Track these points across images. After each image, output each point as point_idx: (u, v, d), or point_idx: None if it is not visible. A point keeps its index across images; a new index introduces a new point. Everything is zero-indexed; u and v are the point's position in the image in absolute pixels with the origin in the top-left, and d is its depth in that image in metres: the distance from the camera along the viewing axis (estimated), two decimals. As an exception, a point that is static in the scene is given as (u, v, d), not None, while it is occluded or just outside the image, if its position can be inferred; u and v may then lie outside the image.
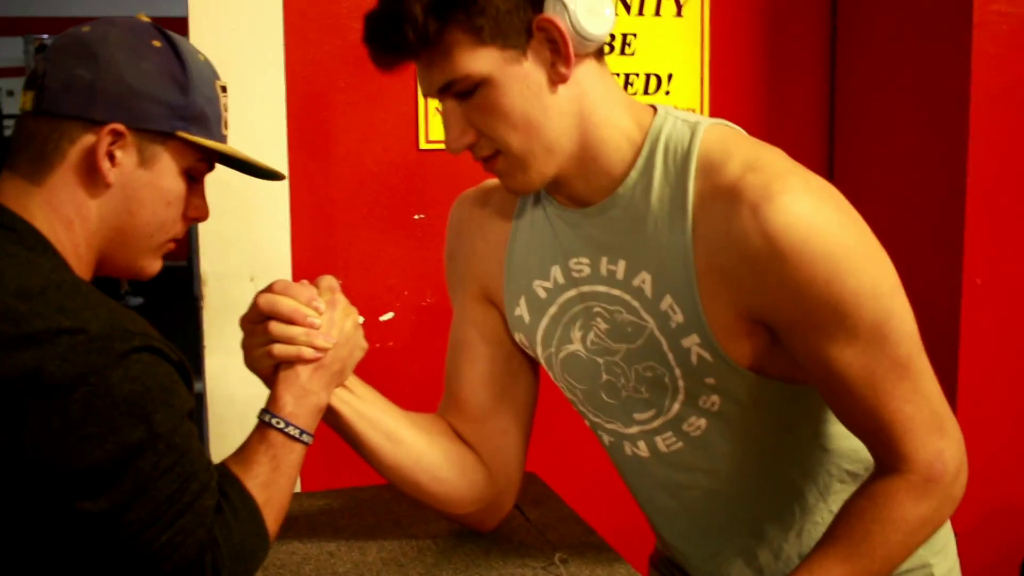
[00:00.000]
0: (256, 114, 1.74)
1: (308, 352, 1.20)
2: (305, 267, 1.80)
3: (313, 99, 1.78)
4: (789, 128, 1.99)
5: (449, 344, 1.38)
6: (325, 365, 1.22)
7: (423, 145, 1.83)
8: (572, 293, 1.20)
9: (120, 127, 1.06)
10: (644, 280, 1.13)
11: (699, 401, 1.16)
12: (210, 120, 1.13)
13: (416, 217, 1.85)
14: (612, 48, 1.88)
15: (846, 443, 1.22)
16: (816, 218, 1.04)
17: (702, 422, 1.18)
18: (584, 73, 1.08)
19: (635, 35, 1.89)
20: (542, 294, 1.23)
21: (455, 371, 1.38)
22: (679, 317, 1.11)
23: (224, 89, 1.17)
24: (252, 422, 1.78)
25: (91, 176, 1.07)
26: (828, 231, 1.04)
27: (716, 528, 1.29)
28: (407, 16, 1.02)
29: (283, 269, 1.78)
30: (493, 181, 1.26)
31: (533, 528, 1.42)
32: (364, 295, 1.85)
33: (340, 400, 1.30)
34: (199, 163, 1.14)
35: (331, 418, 1.30)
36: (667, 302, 1.12)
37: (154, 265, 1.19)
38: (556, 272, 1.21)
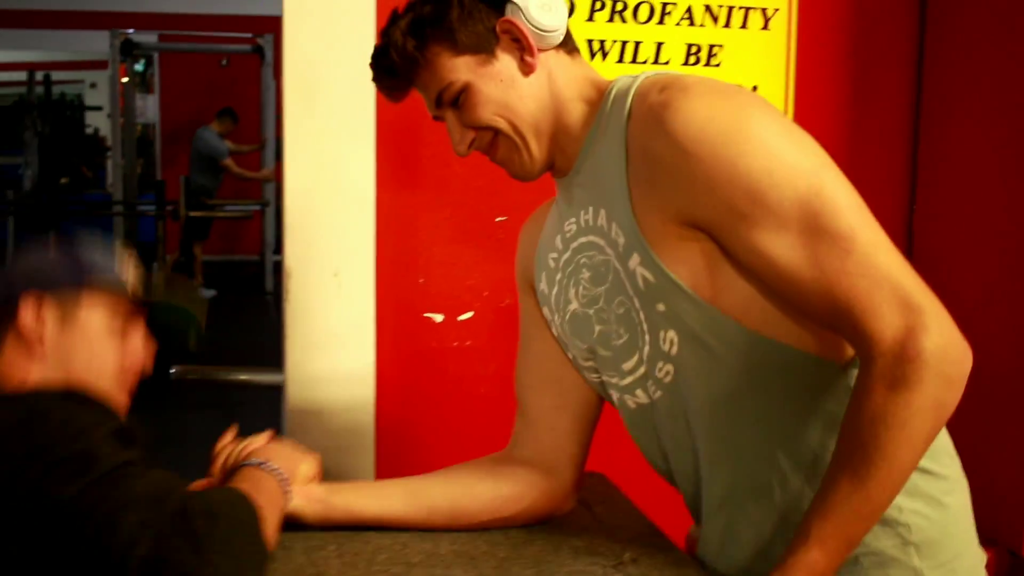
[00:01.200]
0: (346, 110, 1.78)
1: None
2: (388, 264, 1.84)
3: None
4: (873, 141, 2.00)
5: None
6: None
7: (507, 149, 1.86)
8: (567, 255, 1.31)
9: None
10: (601, 216, 1.23)
11: (660, 341, 1.20)
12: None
13: (497, 220, 1.88)
14: (698, 59, 1.90)
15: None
16: (712, 110, 1.11)
17: (669, 367, 1.21)
18: (551, 61, 1.24)
19: (721, 46, 1.91)
20: (552, 263, 1.34)
21: (518, 377, 1.47)
22: (622, 239, 1.19)
23: None
24: (330, 413, 1.84)
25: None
26: (725, 119, 1.11)
27: (711, 496, 1.27)
28: (392, 43, 1.24)
29: (366, 266, 1.82)
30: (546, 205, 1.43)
31: (602, 527, 1.44)
32: (444, 294, 1.88)
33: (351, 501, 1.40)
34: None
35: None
36: (615, 229, 1.21)
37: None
38: (558, 240, 1.32)
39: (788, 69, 1.93)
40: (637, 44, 1.88)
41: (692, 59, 1.90)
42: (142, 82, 11.87)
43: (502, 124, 1.23)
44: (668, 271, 1.16)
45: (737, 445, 1.22)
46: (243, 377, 2.46)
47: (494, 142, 1.26)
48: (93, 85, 14.97)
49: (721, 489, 1.26)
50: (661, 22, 1.88)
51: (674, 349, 1.19)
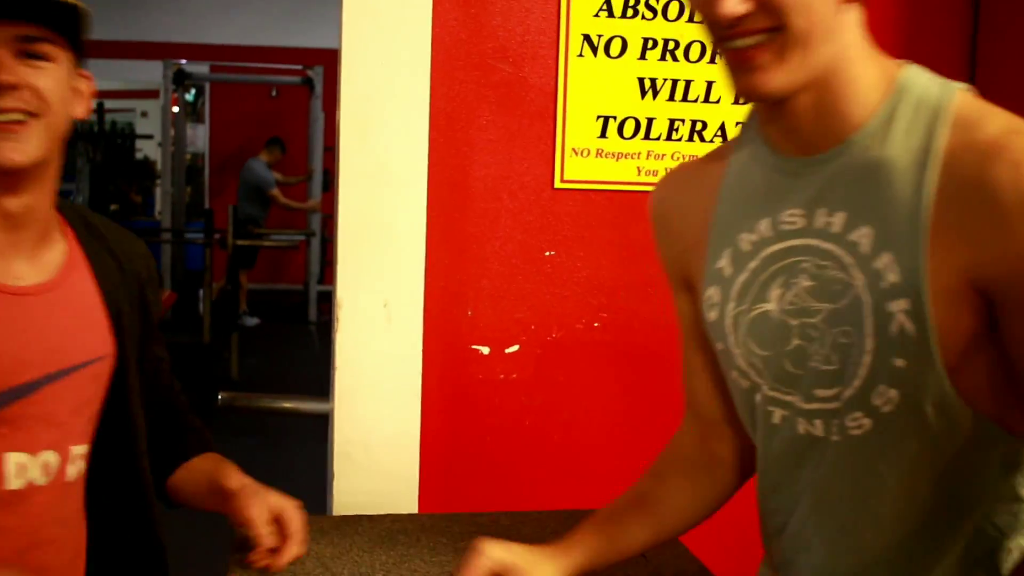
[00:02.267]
0: (400, 143, 1.80)
1: None
2: (437, 295, 1.86)
3: (454, 133, 1.84)
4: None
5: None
6: None
7: (558, 184, 1.88)
8: (778, 247, 1.14)
9: None
10: (863, 235, 1.06)
11: (873, 393, 1.07)
12: None
13: (547, 254, 1.89)
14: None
15: None
16: None
17: (867, 421, 1.08)
18: (857, 9, 1.06)
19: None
20: (746, 247, 1.18)
21: (686, 380, 1.36)
22: (893, 277, 1.04)
23: None
24: (377, 441, 1.85)
25: None
26: None
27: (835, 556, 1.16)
28: None
29: (416, 297, 1.84)
30: (685, 164, 1.31)
31: (649, 564, 1.45)
32: (492, 327, 1.90)
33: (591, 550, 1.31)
34: None
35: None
36: (884, 260, 1.05)
37: None
38: (764, 225, 1.16)
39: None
40: (688, 83, 1.89)
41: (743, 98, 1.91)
42: (193, 111, 12.03)
43: (797, 23, 1.01)
44: (933, 334, 1.03)
45: (913, 520, 1.11)
46: (290, 405, 2.48)
47: (770, 32, 1.02)
48: (144, 114, 15.19)
49: (854, 556, 1.15)
50: (712, 61, 1.89)
51: (887, 407, 1.07)
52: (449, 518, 1.64)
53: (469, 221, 1.87)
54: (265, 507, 1.41)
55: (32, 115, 1.26)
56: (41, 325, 1.31)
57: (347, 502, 1.85)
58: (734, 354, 1.20)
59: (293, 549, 1.39)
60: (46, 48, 1.28)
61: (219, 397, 2.46)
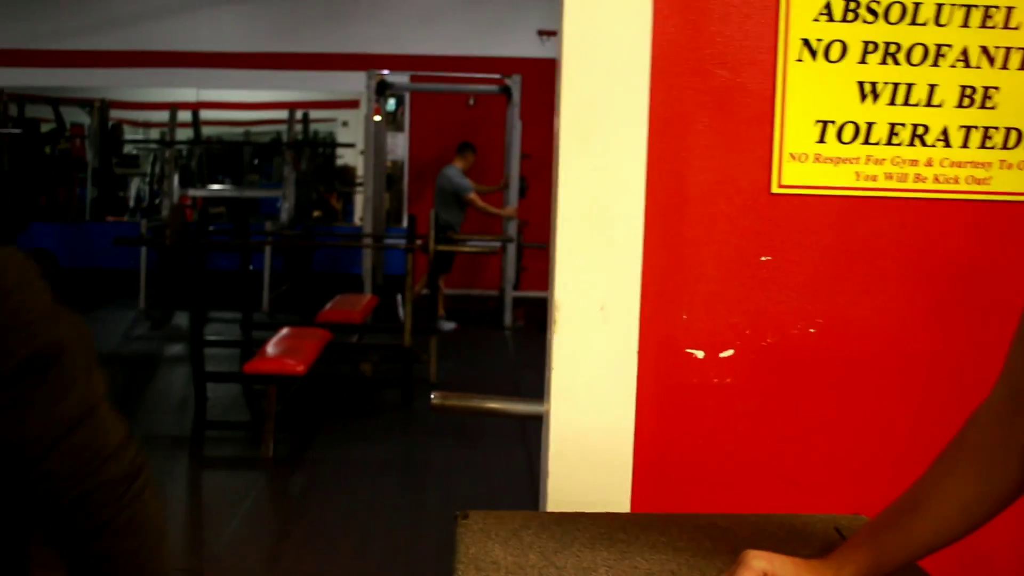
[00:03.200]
0: (619, 148, 1.83)
1: None
2: (652, 299, 1.88)
3: (672, 139, 1.86)
4: None
5: (1019, 321, 1.30)
6: None
7: (775, 189, 1.88)
8: None
9: None
10: None
11: None
12: None
13: (763, 259, 1.90)
14: (972, 101, 1.87)
15: None
16: None
17: None
18: None
19: (997, 88, 1.87)
20: None
21: (1016, 351, 1.31)
22: None
23: None
24: (592, 444, 1.89)
25: None
26: None
27: None
28: None
29: (632, 300, 1.86)
30: None
31: None
32: (706, 331, 1.91)
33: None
34: None
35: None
36: None
37: None
38: None
39: (1068, 112, 1.88)
40: (910, 86, 1.87)
41: (967, 101, 1.87)
42: (393, 120, 12.36)
43: None
44: None
45: None
46: (501, 406, 2.54)
47: None
48: (345, 123, 15.68)
49: None
50: (935, 64, 1.86)
51: None
52: (664, 518, 1.66)
53: (685, 225, 1.89)
54: None
55: None
56: None
57: (562, 500, 1.89)
58: None
59: None
60: None
61: (432, 397, 2.53)
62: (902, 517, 1.29)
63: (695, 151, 1.88)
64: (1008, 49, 1.87)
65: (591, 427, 1.91)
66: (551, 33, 10.92)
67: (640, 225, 1.85)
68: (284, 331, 6.99)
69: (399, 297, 9.05)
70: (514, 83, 10.51)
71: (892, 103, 1.88)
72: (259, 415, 6.66)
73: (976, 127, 1.88)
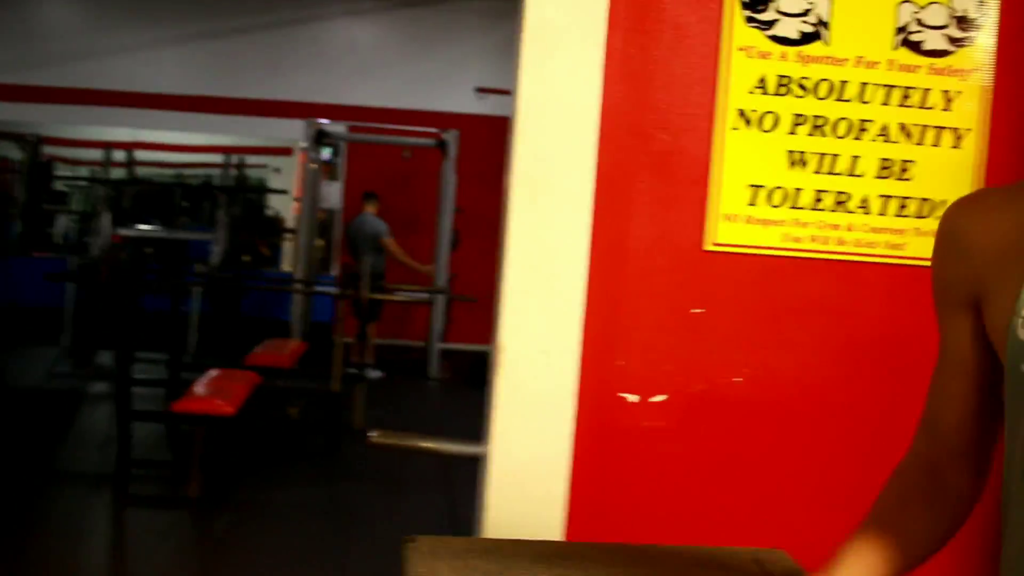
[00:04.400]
0: (567, 204, 1.96)
1: None
2: (592, 347, 2.00)
3: (616, 196, 2.00)
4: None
5: (932, 377, 1.37)
6: None
7: (707, 247, 2.02)
8: None
9: None
10: None
11: None
12: None
13: (695, 311, 2.03)
14: (891, 172, 2.04)
15: None
16: None
17: None
18: None
19: (913, 162, 2.04)
20: None
21: (931, 407, 1.37)
22: None
23: None
24: (531, 483, 2.00)
25: None
26: None
27: None
28: None
29: (572, 345, 1.98)
30: (984, 189, 1.34)
31: (789, 597, 1.56)
32: (641, 377, 2.04)
33: None
34: None
35: None
36: None
37: None
38: None
39: (975, 185, 2.05)
40: (835, 157, 2.03)
41: (886, 172, 2.04)
42: (329, 169, 12.44)
43: None
44: None
45: None
46: (437, 446, 2.62)
47: None
48: (277, 170, 15.70)
49: None
50: (858, 137, 2.03)
51: None
52: (599, 547, 1.77)
53: (625, 278, 2.02)
54: None
55: None
56: None
57: (499, 532, 2.00)
58: None
59: None
60: None
61: (370, 435, 2.62)
62: (868, 548, 1.33)
63: (636, 208, 2.02)
64: (924, 127, 2.04)
65: (529, 463, 2.02)
66: (490, 90, 11.12)
67: (583, 276, 1.98)
68: (213, 372, 7.01)
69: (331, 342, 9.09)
70: (451, 137, 10.68)
71: (818, 171, 2.04)
72: (183, 455, 6.66)
73: (894, 197, 2.04)
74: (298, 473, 6.98)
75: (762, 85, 2.01)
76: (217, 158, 13.24)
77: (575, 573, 1.61)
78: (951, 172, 2.05)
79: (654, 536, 1.99)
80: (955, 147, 2.06)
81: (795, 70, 2.01)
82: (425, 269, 10.72)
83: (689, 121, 2.02)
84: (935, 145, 2.05)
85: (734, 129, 2.01)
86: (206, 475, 6.35)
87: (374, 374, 10.32)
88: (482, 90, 11.77)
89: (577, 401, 2.01)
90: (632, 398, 2.04)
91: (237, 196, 12.59)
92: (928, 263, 1.99)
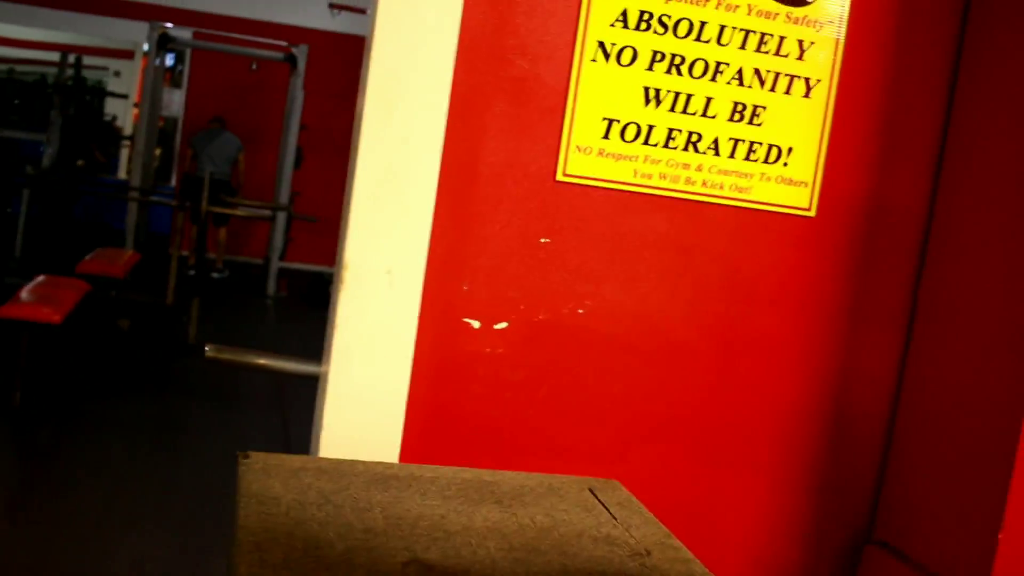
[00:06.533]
0: (421, 122, 1.93)
1: None
2: (437, 268, 1.99)
3: (470, 119, 1.98)
4: (895, 208, 2.16)
5: None
6: None
7: (559, 177, 2.02)
8: None
9: None
10: None
11: None
12: None
13: (542, 241, 2.03)
14: (742, 116, 2.07)
15: None
16: None
17: None
18: None
19: (765, 108, 2.07)
20: None
21: None
22: None
23: None
24: (369, 405, 1.98)
25: None
26: None
27: None
28: None
29: (417, 267, 1.97)
30: None
31: (619, 525, 1.59)
32: (484, 303, 2.03)
33: None
34: None
35: None
36: None
37: None
38: None
39: (823, 134, 2.10)
40: (689, 96, 2.04)
41: (737, 116, 2.06)
42: (171, 76, 12.05)
43: None
44: None
45: None
46: (276, 364, 2.59)
47: None
48: (117, 73, 15.14)
49: None
50: (713, 79, 2.04)
51: None
52: (434, 469, 1.77)
53: (474, 202, 2.01)
54: None
55: None
56: None
57: (334, 452, 1.98)
58: None
59: None
60: None
61: (206, 348, 2.56)
62: None
63: (490, 133, 2.00)
64: (777, 74, 2.07)
65: (368, 384, 2.00)
66: (342, 7, 10.90)
67: (432, 197, 1.96)
68: (40, 279, 6.77)
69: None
70: (300, 52, 10.45)
71: (672, 110, 2.05)
72: (6, 364, 6.43)
73: (743, 140, 2.08)
74: (127, 386, 6.82)
75: (623, 18, 2.00)
76: (54, 56, 12.66)
77: (411, 495, 1.60)
78: (801, 120, 2.09)
79: (490, 462, 2.00)
80: (806, 96, 2.09)
81: (657, 6, 2.01)
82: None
83: (548, 50, 2.01)
84: (787, 93, 2.09)
85: (592, 61, 2.01)
86: (30, 385, 6.15)
87: (219, 275, 10.18)
88: (335, 6, 11.54)
89: (420, 324, 1.99)
90: (475, 324, 2.04)
91: (73, 97, 12.08)
92: (772, 207, 2.05)
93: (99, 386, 6.74)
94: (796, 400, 2.15)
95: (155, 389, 6.92)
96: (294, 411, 5.49)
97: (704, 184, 2.07)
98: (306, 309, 8.28)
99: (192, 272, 8.15)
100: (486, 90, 1.99)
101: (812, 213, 2.11)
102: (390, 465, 1.77)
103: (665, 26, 2.02)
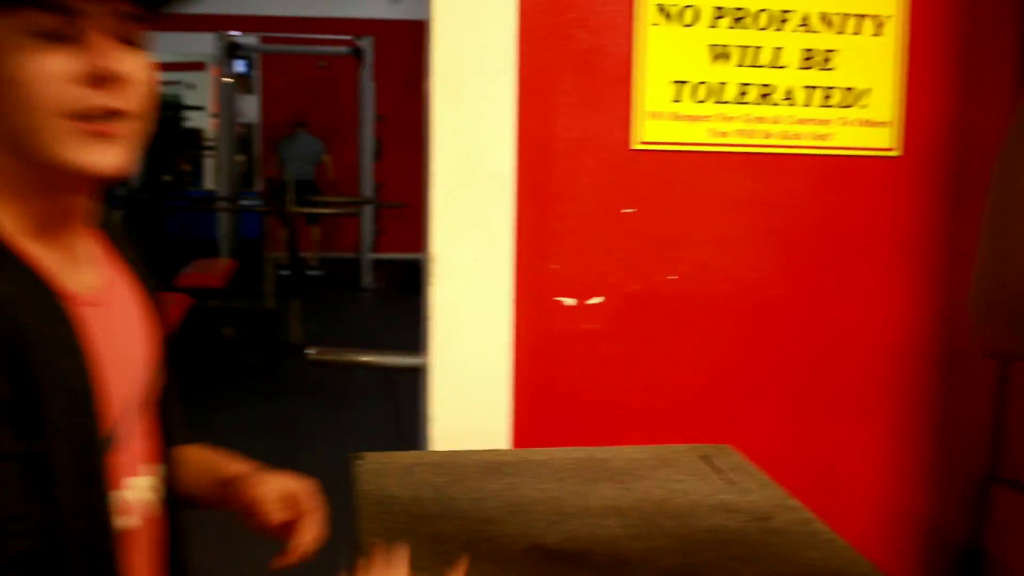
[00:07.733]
0: (491, 109, 1.94)
1: None
2: (525, 252, 1.99)
3: (539, 99, 1.98)
4: (985, 140, 2.11)
5: None
6: None
7: (634, 146, 2.01)
8: None
9: None
10: None
11: None
12: None
13: (625, 211, 2.03)
14: (814, 63, 2.03)
15: None
16: None
17: None
18: None
19: (835, 51, 2.04)
20: None
21: None
22: None
23: None
24: (473, 389, 2.00)
25: None
26: None
27: None
28: None
29: (505, 251, 1.97)
30: None
31: (736, 489, 1.59)
32: (576, 280, 2.04)
33: None
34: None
35: None
36: None
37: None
38: None
39: (899, 71, 2.06)
40: (757, 49, 2.02)
41: (808, 63, 2.03)
42: (243, 83, 12.20)
43: None
44: None
45: None
46: (379, 360, 2.61)
47: None
48: (192, 86, 15.36)
49: None
50: (779, 28, 2.02)
51: None
52: (545, 452, 1.79)
53: (553, 180, 2.01)
54: (272, 487, 1.27)
55: (131, 114, 1.02)
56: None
57: (446, 443, 2.00)
58: None
59: (310, 530, 1.25)
60: (138, 30, 1.01)
61: (308, 352, 2.60)
62: None
63: (560, 110, 2.00)
64: (844, 15, 2.04)
65: (471, 373, 2.02)
66: (402, -6, 10.93)
67: (510, 181, 1.97)
68: (142, 297, 6.91)
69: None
70: (366, 45, 10.51)
71: (741, 64, 2.02)
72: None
73: (818, 87, 2.04)
74: (238, 393, 6.95)
75: (682, -21, 1.98)
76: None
77: (525, 480, 1.62)
78: (874, 59, 2.06)
79: (599, 438, 2.01)
80: (876, 34, 2.05)
81: (714, -38, 1.99)
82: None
83: (609, 19, 1.99)
84: (856, 33, 2.05)
85: (654, 25, 1.99)
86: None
87: (314, 272, 10.39)
88: (395, -6, 11.58)
89: (514, 308, 2.00)
90: (569, 302, 2.05)
91: (155, 115, 12.28)
92: (855, 151, 2.02)
93: (212, 395, 6.88)
94: (901, 344, 2.12)
95: (265, 393, 7.05)
96: (404, 402, 5.53)
97: (783, 136, 2.05)
98: (403, 298, 8.34)
99: (288, 273, 8.27)
100: (552, 67, 1.98)
101: (898, 152, 2.08)
102: (501, 452, 1.79)
103: (725, -19, 1.99)
